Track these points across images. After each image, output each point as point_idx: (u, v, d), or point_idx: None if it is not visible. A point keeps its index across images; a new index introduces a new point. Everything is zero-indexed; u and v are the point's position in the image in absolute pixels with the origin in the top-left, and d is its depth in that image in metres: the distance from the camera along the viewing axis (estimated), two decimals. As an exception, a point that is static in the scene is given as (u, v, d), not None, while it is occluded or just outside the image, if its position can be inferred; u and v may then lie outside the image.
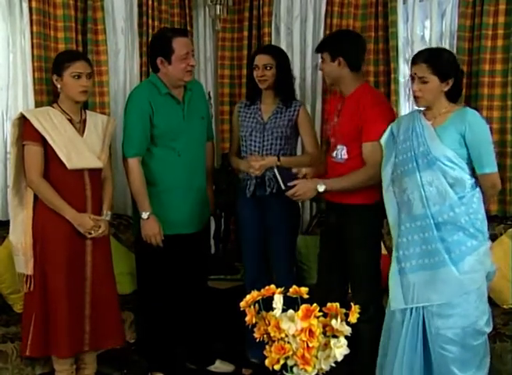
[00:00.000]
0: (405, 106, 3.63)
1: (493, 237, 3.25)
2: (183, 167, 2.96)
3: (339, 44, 2.75)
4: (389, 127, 2.60)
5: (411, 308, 2.43)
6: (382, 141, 2.60)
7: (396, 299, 2.47)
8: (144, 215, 2.89)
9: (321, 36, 3.69)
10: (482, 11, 3.29)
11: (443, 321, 2.38)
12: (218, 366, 3.25)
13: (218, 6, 3.63)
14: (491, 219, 3.31)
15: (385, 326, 2.55)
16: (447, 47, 3.44)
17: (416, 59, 2.42)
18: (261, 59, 3.02)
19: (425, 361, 2.42)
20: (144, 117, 2.88)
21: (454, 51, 3.41)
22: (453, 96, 2.46)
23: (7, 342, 2.76)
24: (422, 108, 2.50)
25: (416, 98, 2.44)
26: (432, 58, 2.39)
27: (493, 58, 3.31)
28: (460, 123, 2.37)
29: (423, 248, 2.41)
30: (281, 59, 3.06)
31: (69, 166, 2.68)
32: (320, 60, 2.82)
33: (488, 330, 2.45)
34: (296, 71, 3.77)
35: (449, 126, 2.40)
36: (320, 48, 2.81)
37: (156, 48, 2.95)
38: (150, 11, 3.68)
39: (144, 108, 2.88)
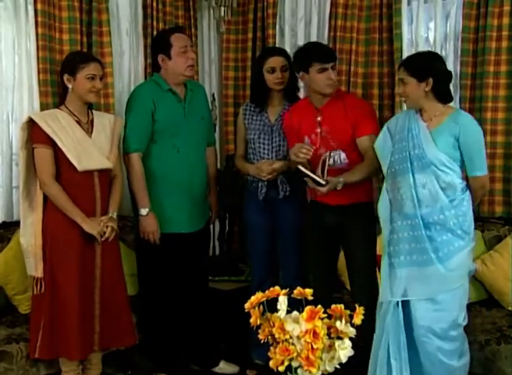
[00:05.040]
0: (409, 108, 3.63)
1: (498, 239, 3.26)
2: (182, 164, 2.97)
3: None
4: (385, 126, 2.66)
5: (397, 302, 2.48)
6: (378, 142, 2.64)
7: (384, 292, 2.54)
8: (144, 211, 2.91)
9: (326, 37, 3.70)
10: (487, 12, 3.28)
11: (430, 315, 2.44)
12: (223, 367, 3.25)
13: (222, 8, 3.64)
14: (495, 220, 3.33)
15: (376, 319, 2.59)
16: (451, 48, 3.45)
17: (399, 65, 2.56)
18: (279, 61, 2.99)
19: (413, 351, 2.47)
20: (146, 113, 2.91)
21: (459, 52, 3.43)
22: (442, 97, 2.49)
23: (12, 343, 2.76)
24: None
25: (404, 101, 2.57)
26: (407, 61, 2.54)
27: (498, 60, 3.30)
28: (454, 127, 2.42)
29: (412, 246, 2.48)
30: (290, 60, 3.07)
31: (79, 167, 2.68)
32: (332, 70, 2.76)
33: (465, 323, 2.52)
34: (300, 72, 3.79)
35: (443, 130, 2.45)
36: (333, 59, 2.80)
37: (156, 46, 3.03)
38: (154, 13, 3.70)
39: (147, 105, 2.91)
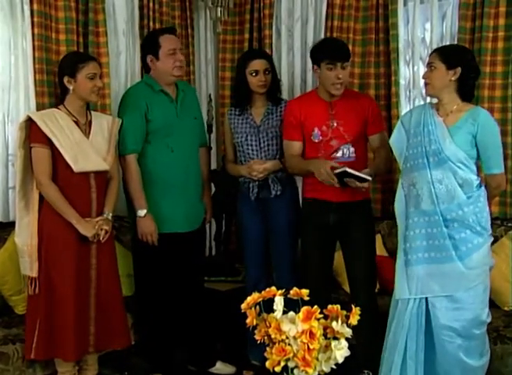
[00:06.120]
0: (406, 108, 3.63)
1: (494, 239, 3.24)
2: (176, 163, 2.98)
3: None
4: (399, 121, 2.69)
5: (414, 299, 2.48)
6: (393, 137, 2.66)
7: (400, 289, 2.53)
8: (141, 212, 2.91)
9: (322, 38, 3.69)
10: (483, 13, 3.29)
11: (450, 313, 2.44)
12: (219, 367, 3.24)
13: (219, 8, 3.63)
14: (492, 220, 3.34)
15: (390, 316, 2.59)
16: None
17: (432, 51, 2.61)
18: (261, 64, 3.02)
19: (428, 351, 2.47)
20: (139, 114, 2.92)
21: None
22: (464, 92, 2.50)
23: (8, 344, 2.76)
24: (434, 102, 2.56)
25: (425, 85, 2.56)
26: (441, 47, 2.66)
27: (494, 60, 3.31)
28: (472, 124, 2.43)
29: (430, 243, 2.48)
30: (272, 62, 3.12)
31: (75, 169, 2.68)
32: (341, 70, 2.80)
33: (489, 319, 2.52)
34: (296, 73, 3.79)
35: (461, 126, 2.45)
36: (348, 58, 2.85)
37: (145, 46, 3.05)
38: (151, 13, 3.70)
39: (140, 106, 2.92)
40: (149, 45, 2.98)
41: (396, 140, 2.64)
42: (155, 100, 2.96)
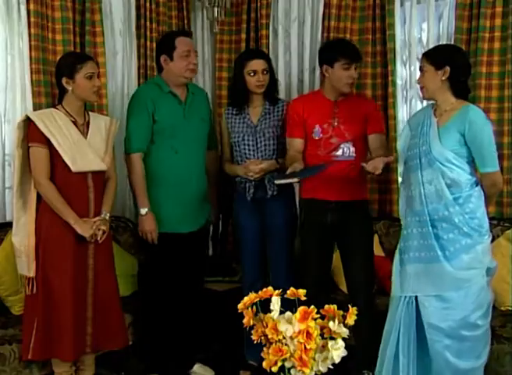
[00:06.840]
0: (402, 109, 3.64)
1: (491, 239, 3.26)
2: (179, 164, 2.98)
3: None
4: (406, 123, 2.71)
5: (405, 297, 2.50)
6: (400, 141, 2.68)
7: (395, 287, 2.56)
8: (143, 211, 2.93)
9: (319, 38, 3.71)
10: (479, 13, 3.30)
11: (439, 313, 2.44)
12: (196, 370, 3.20)
13: (216, 9, 3.63)
14: (488, 221, 3.34)
15: (388, 314, 2.60)
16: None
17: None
18: (259, 64, 3.03)
19: (420, 350, 2.47)
20: (147, 114, 2.93)
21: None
22: (458, 90, 2.49)
23: (5, 344, 2.75)
24: (433, 102, 2.56)
25: (420, 90, 2.59)
26: (429, 50, 2.64)
27: (490, 61, 3.31)
28: (461, 123, 2.41)
29: (420, 242, 2.49)
30: (270, 62, 3.12)
31: (73, 169, 2.68)
32: (354, 70, 2.88)
33: (483, 322, 2.48)
34: (293, 73, 3.79)
35: (451, 126, 2.44)
36: (359, 59, 2.94)
37: (160, 46, 3.07)
38: (148, 13, 3.70)
39: (147, 106, 2.94)
40: (164, 46, 2.99)
41: (402, 142, 2.66)
42: (163, 101, 2.97)
